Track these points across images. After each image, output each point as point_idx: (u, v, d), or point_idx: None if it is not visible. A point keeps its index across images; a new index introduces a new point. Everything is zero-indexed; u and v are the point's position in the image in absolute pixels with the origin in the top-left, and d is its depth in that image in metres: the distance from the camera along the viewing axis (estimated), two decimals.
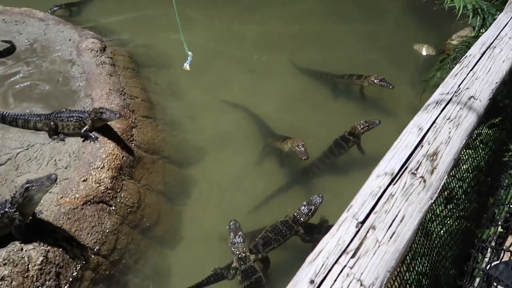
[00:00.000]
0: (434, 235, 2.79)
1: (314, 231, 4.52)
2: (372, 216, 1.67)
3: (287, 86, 6.70)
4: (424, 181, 1.83)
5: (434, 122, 2.14)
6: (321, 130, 5.81)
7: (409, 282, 2.61)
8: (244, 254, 4.14)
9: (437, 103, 2.32)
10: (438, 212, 2.97)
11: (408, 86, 6.79)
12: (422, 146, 1.99)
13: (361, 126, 5.49)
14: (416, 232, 1.78)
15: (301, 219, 4.43)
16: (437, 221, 2.87)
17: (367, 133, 5.54)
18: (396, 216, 1.68)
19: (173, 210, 4.96)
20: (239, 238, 4.22)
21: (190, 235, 4.74)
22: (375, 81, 6.34)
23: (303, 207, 4.48)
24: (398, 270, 2.37)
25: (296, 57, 7.20)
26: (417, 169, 1.87)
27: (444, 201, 3.09)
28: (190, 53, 4.06)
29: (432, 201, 1.84)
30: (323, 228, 4.53)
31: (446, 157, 1.98)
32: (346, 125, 5.61)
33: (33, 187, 3.59)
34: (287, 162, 5.62)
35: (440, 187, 1.90)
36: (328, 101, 6.55)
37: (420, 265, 2.68)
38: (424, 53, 7.45)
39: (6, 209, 3.62)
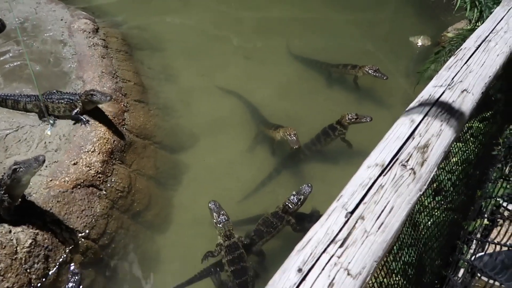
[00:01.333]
0: (422, 226, 2.83)
1: (305, 220, 4.56)
2: (361, 206, 1.69)
3: (282, 74, 6.67)
4: (414, 173, 1.85)
5: (426, 114, 2.15)
6: (315, 119, 5.81)
7: (395, 271, 2.66)
8: (229, 232, 4.28)
9: (430, 95, 2.33)
10: (426, 204, 3.01)
11: (403, 77, 6.80)
12: (413, 138, 2.00)
13: (349, 117, 5.49)
14: (404, 223, 1.80)
15: (291, 208, 4.46)
16: (425, 213, 2.91)
17: (359, 124, 5.54)
18: (385, 207, 1.69)
19: (163, 195, 4.97)
20: (222, 216, 4.34)
21: (180, 220, 4.75)
22: (370, 71, 6.34)
23: (292, 197, 4.51)
24: (385, 259, 2.41)
25: (293, 44, 7.16)
26: (407, 161, 1.88)
27: (433, 193, 3.13)
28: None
29: (421, 193, 1.86)
30: (314, 217, 4.58)
31: (436, 150, 2.00)
32: (340, 115, 5.61)
33: (21, 169, 3.56)
34: (279, 150, 5.63)
35: (430, 179, 1.92)
36: (323, 90, 6.54)
37: (407, 255, 2.72)
38: (419, 44, 7.44)
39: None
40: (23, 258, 3.70)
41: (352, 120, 5.49)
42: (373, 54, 7.19)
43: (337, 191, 1.83)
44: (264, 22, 7.78)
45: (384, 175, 1.80)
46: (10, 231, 3.73)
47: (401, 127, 2.09)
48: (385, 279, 2.43)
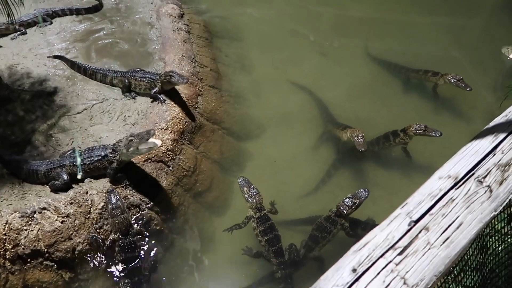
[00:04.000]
0: (490, 250, 2.64)
1: (359, 227, 4.44)
2: (427, 217, 1.63)
3: (357, 74, 6.51)
4: (491, 191, 1.74)
5: None
6: (385, 124, 5.60)
7: None
8: (259, 204, 4.46)
9: None
10: (499, 228, 2.79)
11: (488, 91, 6.31)
12: (494, 154, 1.87)
13: (417, 127, 5.20)
14: (472, 242, 1.71)
15: (344, 211, 4.35)
16: (496, 237, 2.71)
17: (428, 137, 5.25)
18: (454, 221, 1.62)
19: (225, 180, 5.12)
20: (253, 190, 4.54)
21: (238, 206, 4.87)
22: (452, 80, 5.96)
23: (347, 200, 4.40)
24: (444, 278, 2.29)
25: (372, 45, 6.94)
26: (484, 177, 1.77)
27: (508, 218, 2.89)
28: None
29: (496, 213, 1.74)
30: (369, 225, 4.44)
31: None
32: (411, 122, 5.36)
33: (135, 140, 4.08)
34: (343, 151, 5.52)
35: (507, 201, 1.79)
36: (397, 95, 6.28)
37: (469, 279, 2.56)
38: (511, 57, 6.84)
39: (108, 153, 4.20)
40: (95, 218, 4.04)
41: (419, 131, 5.20)
42: (458, 63, 6.75)
43: (399, 201, 1.77)
44: (343, 20, 7.62)
45: (456, 189, 1.71)
46: (87, 192, 4.09)
47: (482, 141, 1.96)
48: None
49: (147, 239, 4.26)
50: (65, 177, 4.09)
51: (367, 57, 6.81)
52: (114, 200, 3.98)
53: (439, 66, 6.27)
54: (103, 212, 4.07)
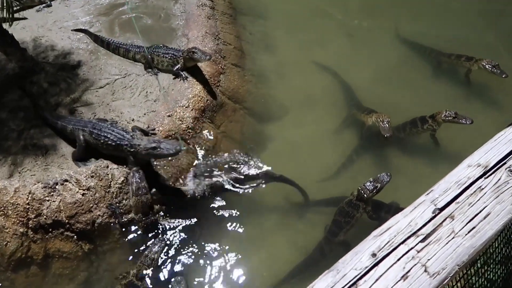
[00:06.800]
0: None
1: (383, 210, 4.41)
2: (453, 205, 1.60)
3: (385, 57, 6.35)
4: None
5: None
6: (413, 110, 5.47)
7: (474, 286, 2.48)
8: None
9: None
10: None
11: None
12: None
13: (446, 113, 5.06)
14: (498, 233, 1.68)
15: (365, 195, 4.32)
16: None
17: (458, 124, 5.11)
18: (481, 211, 1.59)
19: None
20: None
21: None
22: (487, 66, 5.74)
23: (368, 183, 4.36)
24: (466, 270, 2.26)
25: (402, 27, 6.73)
26: None
27: None
28: None
29: None
30: (392, 208, 4.40)
31: None
32: (441, 109, 5.22)
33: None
34: (368, 136, 5.45)
35: None
36: (427, 80, 6.11)
37: (492, 272, 2.52)
38: None
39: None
40: (115, 193, 4.15)
41: (449, 118, 5.06)
42: (494, 48, 6.47)
43: (423, 190, 1.75)
44: (373, 0, 7.40)
45: (485, 178, 1.67)
46: (107, 166, 4.19)
47: None
48: None
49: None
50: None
51: (396, 39, 6.62)
52: (139, 180, 4.05)
53: (473, 51, 6.04)
54: (123, 187, 4.18)
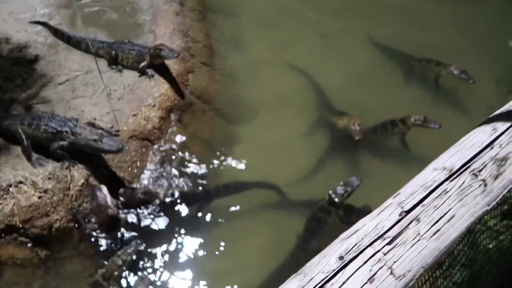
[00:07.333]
0: (481, 247, 2.71)
1: (354, 214, 4.50)
2: (419, 208, 1.68)
3: (358, 60, 6.50)
4: (485, 185, 1.79)
5: None
6: (384, 113, 5.63)
7: None
8: None
9: None
10: (491, 225, 2.87)
11: (491, 84, 6.34)
12: (492, 148, 1.92)
13: (416, 118, 5.25)
14: (462, 235, 1.76)
15: (336, 199, 4.41)
16: (487, 234, 2.78)
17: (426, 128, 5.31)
18: (445, 214, 1.67)
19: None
20: None
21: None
22: (455, 72, 5.99)
23: (339, 187, 4.45)
24: (431, 272, 2.35)
25: (375, 30, 6.90)
26: (480, 171, 1.82)
27: (501, 215, 2.97)
28: None
29: (489, 208, 1.79)
30: (364, 213, 4.49)
31: None
32: (410, 113, 5.40)
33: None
34: (338, 139, 5.56)
35: (501, 196, 1.84)
36: (398, 83, 6.30)
37: (458, 274, 2.63)
38: None
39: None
40: (74, 195, 4.05)
41: (418, 122, 5.26)
42: (463, 54, 6.76)
43: (393, 192, 1.81)
44: (347, 1, 7.57)
45: (450, 181, 1.76)
46: (67, 168, 4.08)
47: (480, 134, 2.01)
48: None
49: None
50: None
51: (369, 42, 6.80)
52: (102, 198, 3.96)
53: (443, 56, 6.29)
54: (83, 190, 4.08)
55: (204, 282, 4.12)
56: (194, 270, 4.18)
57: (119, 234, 4.10)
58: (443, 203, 1.69)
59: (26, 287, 3.89)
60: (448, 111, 5.51)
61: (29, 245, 3.89)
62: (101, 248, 4.02)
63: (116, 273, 3.80)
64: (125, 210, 4.23)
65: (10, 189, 3.86)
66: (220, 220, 4.60)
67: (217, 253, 4.34)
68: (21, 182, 3.91)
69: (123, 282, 3.87)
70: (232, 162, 5.12)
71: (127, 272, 3.90)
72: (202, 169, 4.88)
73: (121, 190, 4.19)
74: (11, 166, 4.08)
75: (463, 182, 1.76)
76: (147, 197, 4.24)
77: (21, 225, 3.83)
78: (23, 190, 3.89)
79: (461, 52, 6.81)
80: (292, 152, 5.40)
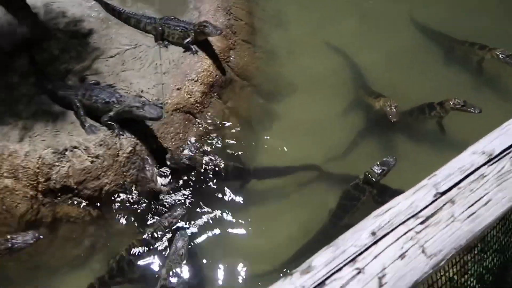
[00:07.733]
0: None
1: (387, 194, 4.44)
2: (454, 190, 1.64)
3: (397, 41, 6.25)
4: None
5: None
6: (421, 96, 5.43)
7: (469, 272, 2.53)
8: None
9: None
10: None
11: None
12: None
13: (455, 101, 5.02)
14: (498, 220, 1.72)
15: (373, 179, 4.36)
16: None
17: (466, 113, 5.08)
18: (482, 197, 1.62)
19: (250, 137, 5.17)
20: None
21: (260, 164, 4.93)
22: (501, 56, 5.65)
23: (375, 167, 4.39)
24: (461, 255, 2.31)
25: (417, 10, 6.60)
26: None
27: None
28: None
29: None
30: (397, 193, 4.42)
31: None
32: (450, 96, 5.18)
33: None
34: (374, 121, 5.44)
35: None
36: (438, 66, 6.04)
37: (488, 260, 2.57)
38: None
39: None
40: (123, 162, 4.22)
41: (457, 106, 5.03)
42: (509, 38, 6.36)
43: (427, 175, 1.77)
44: None
45: (489, 165, 1.70)
46: (116, 135, 4.24)
47: None
48: (455, 276, 2.35)
49: None
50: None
51: (410, 22, 6.52)
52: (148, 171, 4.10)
53: (488, 40, 5.94)
54: (130, 157, 4.24)
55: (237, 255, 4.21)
56: (227, 246, 4.27)
57: (164, 201, 4.26)
58: (480, 187, 1.64)
59: (78, 244, 4.15)
60: (489, 96, 5.25)
61: (82, 205, 4.11)
62: (147, 212, 4.20)
63: (160, 232, 3.96)
64: (170, 184, 4.35)
65: (66, 153, 4.07)
66: (255, 197, 4.66)
67: (250, 229, 4.41)
68: (75, 147, 4.11)
69: (165, 242, 4.03)
70: (269, 138, 5.15)
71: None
72: (240, 144, 4.94)
73: (168, 155, 4.34)
74: (67, 132, 4.29)
75: (503, 167, 1.69)
76: (192, 163, 4.37)
77: (75, 186, 4.05)
78: (77, 155, 4.09)
79: (507, 36, 6.40)
80: (327, 132, 5.34)
